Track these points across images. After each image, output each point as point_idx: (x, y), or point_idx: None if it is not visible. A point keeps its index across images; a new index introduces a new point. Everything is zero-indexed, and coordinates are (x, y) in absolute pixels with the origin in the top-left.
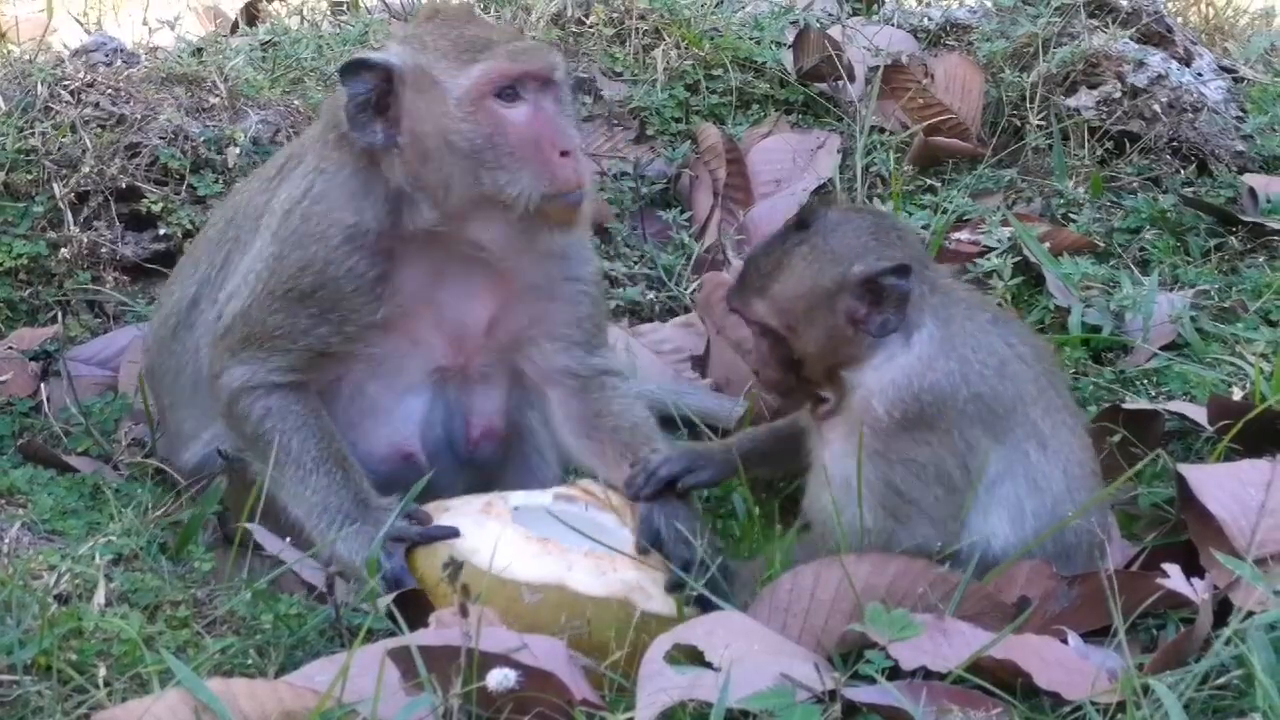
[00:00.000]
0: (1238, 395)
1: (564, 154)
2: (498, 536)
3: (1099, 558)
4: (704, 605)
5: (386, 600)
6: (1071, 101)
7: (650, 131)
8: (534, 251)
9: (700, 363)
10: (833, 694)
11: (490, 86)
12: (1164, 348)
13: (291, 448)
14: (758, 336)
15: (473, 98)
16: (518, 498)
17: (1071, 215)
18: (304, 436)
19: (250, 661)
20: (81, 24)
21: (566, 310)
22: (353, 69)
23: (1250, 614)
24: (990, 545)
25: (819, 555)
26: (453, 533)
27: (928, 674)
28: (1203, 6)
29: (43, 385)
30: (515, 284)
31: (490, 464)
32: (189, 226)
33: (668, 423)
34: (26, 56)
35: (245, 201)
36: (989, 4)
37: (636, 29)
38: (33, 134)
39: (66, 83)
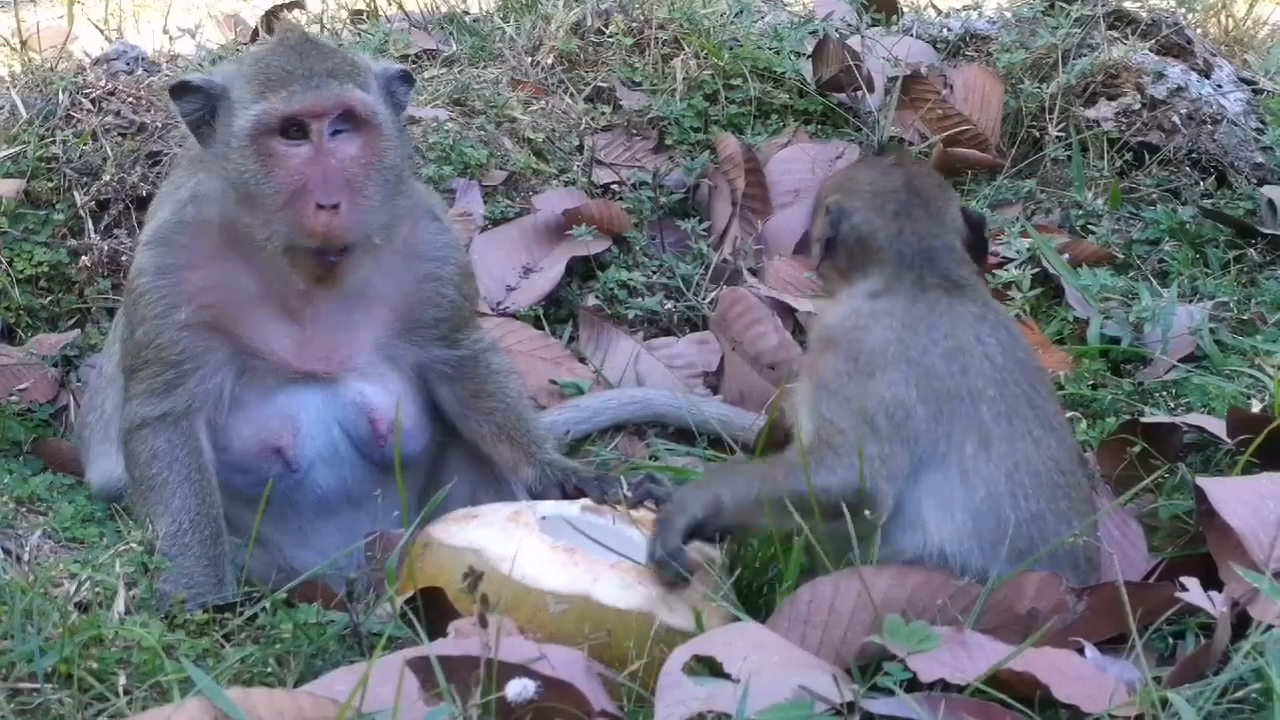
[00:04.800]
0: (1256, 408)
1: (320, 207)
2: (525, 545)
3: (1094, 565)
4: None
5: (400, 600)
6: (1091, 113)
7: (669, 141)
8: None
9: (714, 379)
10: (851, 706)
11: (267, 124)
12: (1183, 360)
13: (173, 504)
14: None
15: (250, 132)
16: (545, 507)
17: (1090, 226)
18: (185, 493)
19: (270, 670)
20: (102, 32)
21: (423, 312)
22: (179, 90)
23: (1269, 627)
24: (927, 538)
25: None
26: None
27: (946, 686)
28: (1222, 18)
29: (63, 391)
30: (348, 292)
31: (415, 463)
32: None
33: (686, 436)
34: (48, 65)
35: None
36: (1008, 15)
37: (656, 39)
38: (54, 142)
39: (87, 91)
